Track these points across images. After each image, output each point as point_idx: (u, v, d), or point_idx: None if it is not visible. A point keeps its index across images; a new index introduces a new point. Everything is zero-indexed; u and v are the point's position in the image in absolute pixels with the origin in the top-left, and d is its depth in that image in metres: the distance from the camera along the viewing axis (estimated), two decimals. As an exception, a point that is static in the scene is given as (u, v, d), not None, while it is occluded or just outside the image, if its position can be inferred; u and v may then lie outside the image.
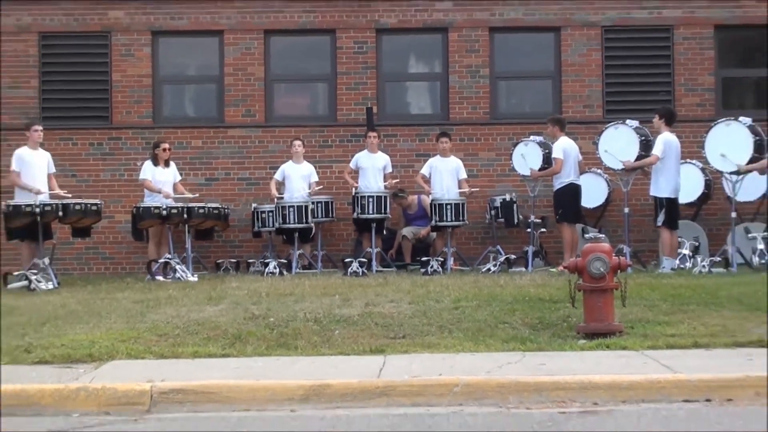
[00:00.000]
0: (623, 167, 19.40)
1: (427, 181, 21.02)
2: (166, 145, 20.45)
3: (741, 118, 19.00)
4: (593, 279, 11.94)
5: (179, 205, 19.65)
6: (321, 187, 21.15)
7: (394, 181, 21.18)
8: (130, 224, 20.87)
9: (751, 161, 18.36)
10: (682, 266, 18.60)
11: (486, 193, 21.78)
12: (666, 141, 18.88)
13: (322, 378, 10.09)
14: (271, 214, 20.84)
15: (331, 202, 21.31)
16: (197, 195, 20.38)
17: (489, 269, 19.87)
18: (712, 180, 20.60)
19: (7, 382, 10.23)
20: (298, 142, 21.32)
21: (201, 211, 19.90)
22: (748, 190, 19.42)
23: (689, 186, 20.05)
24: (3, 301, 15.60)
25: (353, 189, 20.77)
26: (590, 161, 20.50)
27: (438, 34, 23.30)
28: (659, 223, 19.02)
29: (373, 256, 20.27)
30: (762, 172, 18.35)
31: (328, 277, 18.64)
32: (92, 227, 19.90)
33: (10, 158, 19.04)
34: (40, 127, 19.41)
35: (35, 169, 18.88)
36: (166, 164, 20.31)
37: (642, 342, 11.69)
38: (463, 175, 21.00)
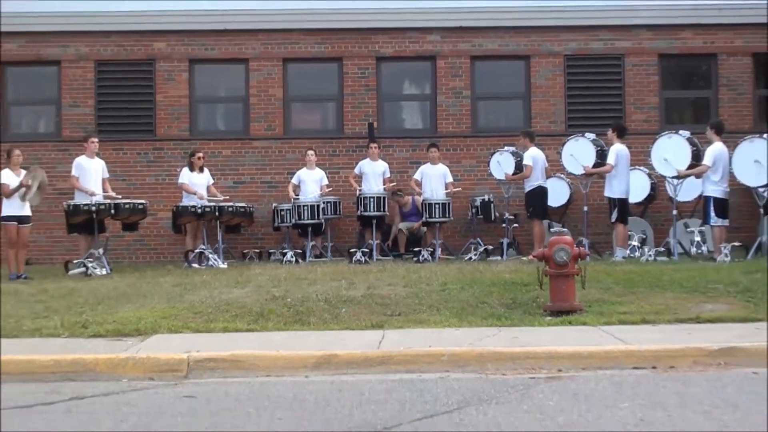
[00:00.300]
0: (583, 172, 19.52)
1: (419, 184, 21.01)
2: (200, 154, 20.48)
3: (681, 132, 19.08)
4: (558, 266, 11.96)
5: (212, 204, 19.69)
6: (330, 189, 21.14)
7: (392, 184, 21.22)
8: (171, 220, 20.98)
9: (689, 168, 18.42)
10: (632, 255, 18.63)
11: (468, 194, 21.80)
12: (618, 151, 18.94)
13: (331, 349, 10.14)
14: (288, 212, 20.85)
15: (339, 202, 21.29)
16: (227, 197, 20.38)
17: (470, 258, 19.90)
18: (657, 183, 20.60)
19: (67, 352, 10.30)
20: (311, 152, 21.35)
21: (230, 209, 19.97)
22: (687, 191, 19.44)
23: (638, 188, 20.10)
24: (65, 284, 15.65)
25: (357, 191, 20.76)
26: (555, 168, 20.54)
27: (428, 61, 23.29)
28: (613, 219, 19.05)
29: (374, 247, 20.28)
30: (698, 176, 18.37)
31: (336, 265, 18.64)
32: (139, 223, 19.99)
33: (71, 165, 19.06)
34: (96, 139, 19.45)
35: (91, 174, 18.89)
36: (201, 170, 20.32)
37: (599, 319, 11.71)
38: (449, 179, 21.00)
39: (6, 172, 17.86)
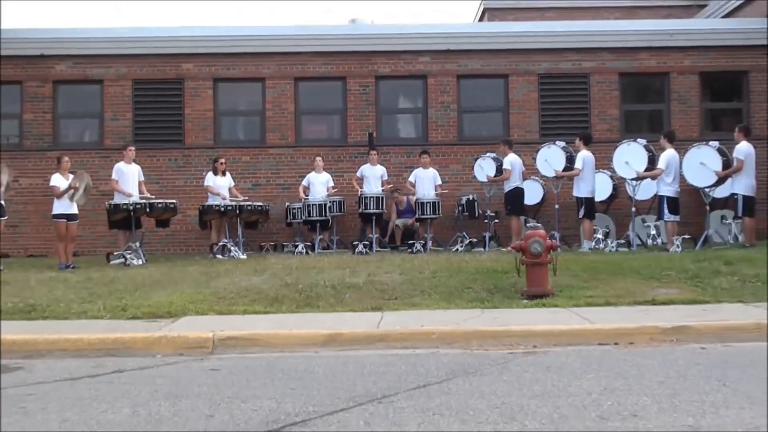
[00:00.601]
0: (555, 175, 19.54)
1: (413, 185, 21.01)
2: (223, 160, 20.44)
3: (638, 140, 19.14)
4: (533, 256, 11.98)
5: (233, 203, 19.65)
6: (336, 190, 21.10)
7: (389, 186, 21.18)
8: (198, 217, 20.97)
9: (646, 170, 18.44)
10: (597, 247, 18.62)
11: (455, 194, 21.76)
12: (584, 156, 18.98)
13: (336, 328, 10.14)
14: (299, 210, 20.88)
15: (343, 201, 21.23)
16: (246, 197, 20.34)
17: (457, 249, 19.87)
18: (618, 184, 20.58)
19: (109, 332, 10.30)
20: (319, 158, 21.30)
21: (249, 208, 19.90)
22: (644, 191, 19.49)
23: (601, 189, 20.06)
24: (107, 273, 15.63)
25: (359, 192, 20.74)
26: (530, 171, 20.51)
27: (420, 80, 23.26)
28: (580, 216, 19.07)
29: (374, 240, 20.24)
30: (653, 178, 18.36)
31: (341, 256, 18.59)
32: (170, 220, 19.91)
33: (112, 170, 19.09)
34: (133, 148, 19.54)
35: (129, 178, 18.95)
36: (223, 174, 20.28)
37: (568, 301, 11.73)
38: (439, 181, 20.98)
39: (56, 176, 17.98)
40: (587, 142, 19.45)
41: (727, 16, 26.90)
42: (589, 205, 19.08)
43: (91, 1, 75.59)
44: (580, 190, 19.04)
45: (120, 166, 19.08)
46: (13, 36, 23.12)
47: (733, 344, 9.27)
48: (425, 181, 20.87)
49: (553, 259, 12.22)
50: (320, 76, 23.21)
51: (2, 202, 17.79)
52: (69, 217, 17.84)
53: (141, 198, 18.80)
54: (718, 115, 23.85)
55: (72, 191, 17.58)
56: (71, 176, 17.93)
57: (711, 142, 18.52)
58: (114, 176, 18.96)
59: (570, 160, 19.42)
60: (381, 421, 6.05)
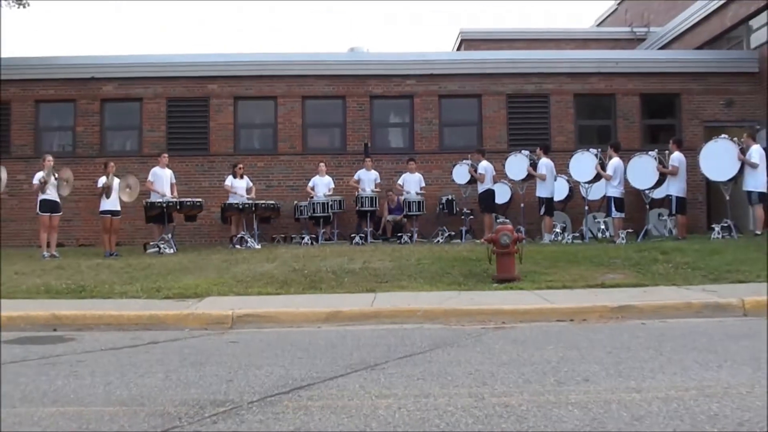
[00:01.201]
0: (521, 178, 19.62)
1: (401, 187, 21.05)
2: (241, 165, 20.41)
3: (590, 149, 19.15)
4: (502, 247, 11.98)
5: (250, 202, 19.70)
6: (331, 190, 21.16)
7: (377, 190, 21.13)
8: (220, 214, 21.07)
9: (596, 176, 18.53)
10: (555, 239, 18.63)
11: (436, 194, 21.77)
12: (546, 164, 19.06)
13: (337, 307, 10.12)
14: (306, 207, 20.88)
15: (343, 200, 21.22)
16: (252, 198, 20.25)
17: (438, 241, 19.87)
18: (573, 187, 20.61)
19: (145, 309, 10.30)
20: (322, 164, 21.30)
21: (263, 205, 19.93)
22: (595, 192, 19.53)
23: (559, 190, 20.11)
24: (143, 260, 15.60)
25: (357, 192, 20.75)
26: (500, 175, 20.45)
27: (407, 99, 23.24)
28: (541, 213, 19.12)
29: (368, 233, 20.25)
30: (604, 178, 18.41)
31: (341, 246, 18.57)
32: (197, 215, 19.93)
33: (149, 173, 19.12)
34: (166, 155, 19.61)
35: (163, 180, 19.01)
36: (241, 177, 20.26)
37: (532, 285, 11.72)
38: (423, 184, 21.02)
39: (103, 178, 17.98)
40: (547, 151, 19.52)
41: (663, 47, 27.04)
42: (549, 204, 19.16)
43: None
44: (543, 191, 19.12)
45: (155, 170, 19.16)
46: (68, 62, 23.29)
47: (668, 320, 9.27)
48: (412, 184, 20.91)
49: (519, 250, 12.23)
50: (324, 95, 23.23)
51: (59, 200, 17.76)
52: (113, 213, 17.88)
53: (172, 197, 18.85)
54: (655, 130, 23.85)
55: (57, 182, 17.58)
56: (115, 179, 17.99)
57: (650, 152, 18.60)
58: (150, 178, 19.04)
59: (533, 167, 19.46)
60: (374, 385, 6.03)
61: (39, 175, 17.41)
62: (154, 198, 18.68)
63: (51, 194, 17.47)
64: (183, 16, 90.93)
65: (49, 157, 17.78)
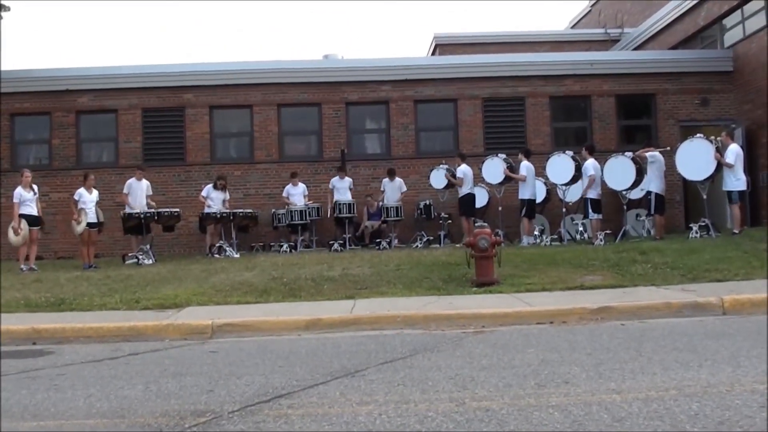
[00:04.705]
0: (499, 181, 19.75)
1: (383, 192, 21.17)
2: (224, 181, 20.42)
3: (566, 152, 19.30)
4: (481, 250, 12.00)
5: (227, 211, 19.74)
6: (307, 196, 21.25)
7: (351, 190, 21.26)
8: (198, 223, 21.10)
9: (573, 178, 18.68)
10: (534, 242, 18.70)
11: (414, 199, 21.83)
12: (527, 166, 19.20)
13: (316, 315, 10.10)
14: (283, 215, 20.95)
15: (320, 207, 21.24)
16: (234, 208, 20.34)
17: (417, 246, 19.92)
18: (551, 189, 20.69)
19: (125, 321, 10.24)
20: (294, 179, 21.34)
21: (241, 214, 20.07)
22: (572, 194, 19.65)
23: (537, 193, 20.10)
24: (122, 271, 15.53)
25: (332, 201, 20.80)
26: (477, 179, 20.48)
27: (383, 105, 23.32)
28: (522, 215, 19.19)
29: (347, 239, 20.25)
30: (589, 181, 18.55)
31: (319, 253, 18.61)
32: (175, 226, 19.90)
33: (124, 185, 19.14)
34: (141, 171, 19.52)
35: (138, 191, 19.01)
36: (223, 190, 20.23)
37: (511, 288, 11.74)
38: (404, 189, 21.20)
39: (81, 190, 17.95)
40: (528, 155, 19.63)
41: (637, 48, 27.22)
42: (530, 206, 19.28)
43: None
44: (524, 194, 19.23)
45: (130, 182, 19.20)
46: (43, 75, 23.21)
47: (647, 321, 9.30)
48: (391, 190, 21.16)
49: (498, 253, 12.23)
50: (299, 102, 23.26)
51: (39, 215, 17.68)
52: (90, 225, 17.77)
53: (148, 207, 18.88)
54: (631, 131, 24.03)
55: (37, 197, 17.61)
56: (95, 191, 17.98)
57: (626, 153, 18.70)
58: (125, 190, 19.12)
59: (510, 169, 19.60)
60: (354, 392, 6.03)
61: (18, 192, 17.27)
62: (131, 209, 18.69)
63: (31, 209, 17.37)
64: (157, 26, 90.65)
65: (27, 173, 17.68)
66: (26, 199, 17.25)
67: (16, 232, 16.91)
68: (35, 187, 17.75)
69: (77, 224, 17.57)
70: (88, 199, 17.77)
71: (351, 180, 21.42)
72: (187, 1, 79.09)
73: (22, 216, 17.03)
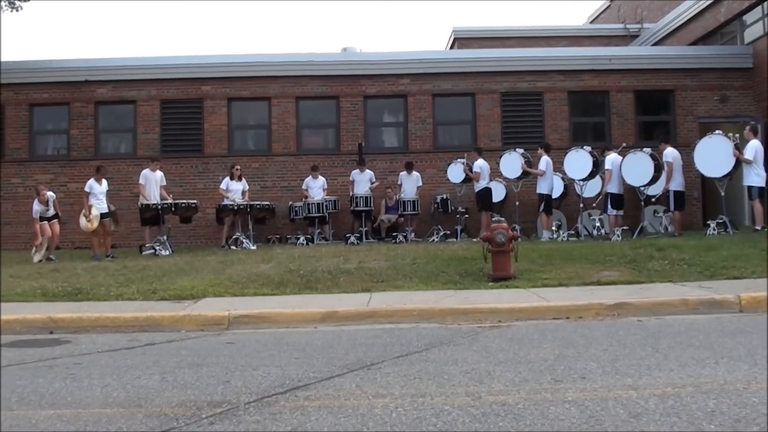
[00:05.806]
0: (517, 176, 19.76)
1: (400, 186, 21.23)
2: (238, 166, 20.53)
3: (585, 147, 19.23)
4: (498, 245, 11.96)
5: (245, 203, 19.78)
6: (326, 190, 21.31)
7: (375, 184, 21.28)
8: (215, 215, 21.05)
9: (591, 173, 18.61)
10: (552, 237, 18.66)
11: (431, 193, 21.83)
12: (547, 161, 19.12)
13: (333, 307, 10.09)
14: (301, 207, 20.98)
15: (337, 200, 21.33)
16: (251, 200, 20.38)
17: (434, 240, 19.93)
18: (568, 184, 20.65)
19: (141, 311, 10.26)
20: (314, 171, 21.38)
21: (258, 206, 20.15)
22: (589, 190, 19.58)
23: (556, 187, 20.07)
24: (139, 262, 15.60)
25: (351, 192, 20.85)
26: (495, 173, 20.47)
27: (401, 98, 23.27)
28: (541, 210, 19.16)
29: (363, 233, 20.31)
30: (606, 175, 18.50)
31: (336, 246, 18.59)
32: (192, 217, 20.00)
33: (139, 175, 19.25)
34: (158, 161, 19.43)
35: (152, 183, 18.92)
36: (239, 179, 20.31)
37: (528, 283, 11.70)
38: (420, 183, 21.20)
39: (91, 181, 18.13)
40: (548, 150, 19.54)
41: (656, 44, 27.10)
42: (548, 201, 19.23)
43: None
44: (542, 188, 19.18)
45: (145, 172, 19.10)
46: (62, 65, 23.28)
47: (664, 317, 9.26)
48: (409, 184, 21.14)
49: (515, 248, 12.19)
50: (317, 95, 23.25)
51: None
52: (103, 215, 17.89)
53: (162, 199, 18.89)
54: (650, 127, 23.90)
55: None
56: (104, 182, 18.14)
57: (645, 149, 18.64)
58: (140, 181, 19.06)
59: (528, 164, 19.63)
60: (370, 384, 6.03)
61: (36, 209, 17.72)
62: (145, 201, 18.77)
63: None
64: (177, 17, 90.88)
65: (44, 190, 18.01)
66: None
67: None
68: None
69: (86, 219, 17.71)
70: (98, 190, 17.95)
71: (372, 173, 21.46)
72: (205, -7, 79.14)
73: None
